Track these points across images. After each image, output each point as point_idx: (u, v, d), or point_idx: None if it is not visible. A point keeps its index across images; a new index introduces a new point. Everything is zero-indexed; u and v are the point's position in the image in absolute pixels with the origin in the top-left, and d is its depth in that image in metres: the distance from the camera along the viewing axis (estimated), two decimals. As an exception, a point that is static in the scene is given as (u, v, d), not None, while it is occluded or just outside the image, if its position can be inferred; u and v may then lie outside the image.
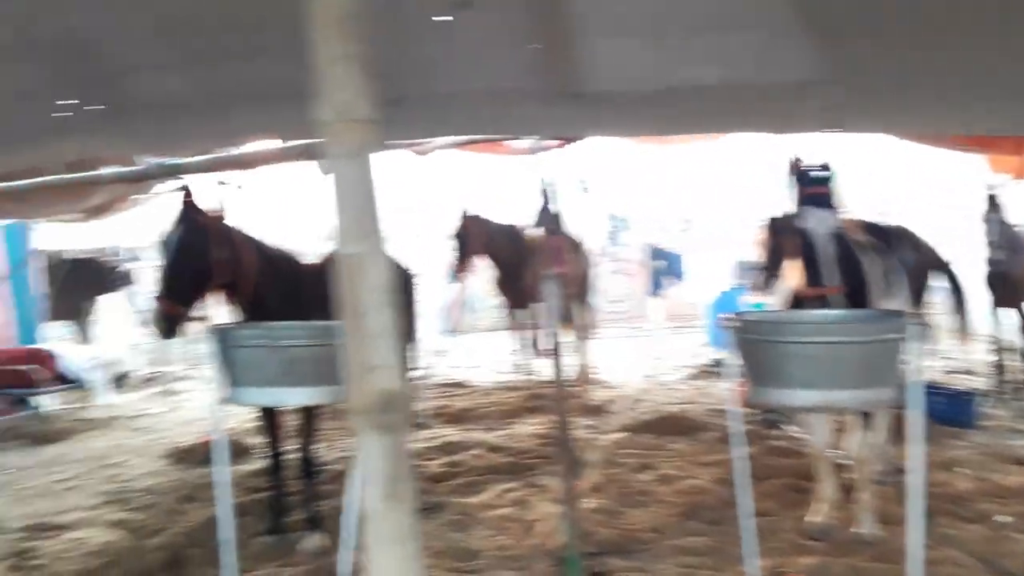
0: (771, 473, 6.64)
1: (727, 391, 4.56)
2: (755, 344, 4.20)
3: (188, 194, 5.23)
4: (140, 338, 13.77)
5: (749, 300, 9.56)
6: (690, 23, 3.55)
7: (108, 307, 13.92)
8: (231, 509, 4.86)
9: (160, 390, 12.72)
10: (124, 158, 4.88)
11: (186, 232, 5.18)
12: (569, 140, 6.56)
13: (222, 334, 4.70)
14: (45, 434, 10.20)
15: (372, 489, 2.09)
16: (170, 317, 5.25)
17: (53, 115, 4.20)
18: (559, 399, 5.48)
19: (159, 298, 5.22)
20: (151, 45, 3.70)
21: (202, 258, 5.20)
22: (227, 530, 4.82)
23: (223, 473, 4.86)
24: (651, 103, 4.34)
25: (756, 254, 6.46)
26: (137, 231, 11.90)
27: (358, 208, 2.09)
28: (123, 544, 6.01)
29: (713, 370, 11.45)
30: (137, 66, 4.03)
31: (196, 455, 8.21)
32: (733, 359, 4.36)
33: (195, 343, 14.25)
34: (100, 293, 13.63)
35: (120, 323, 13.98)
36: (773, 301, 5.87)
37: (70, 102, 4.27)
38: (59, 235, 12.52)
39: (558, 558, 5.22)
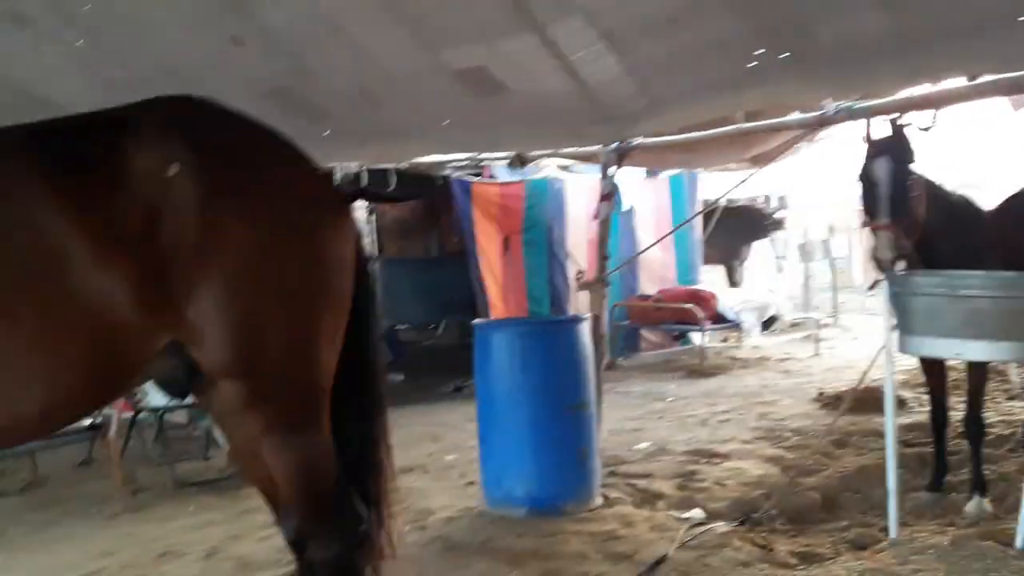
0: None
1: None
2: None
3: (896, 123, 5.14)
4: (784, 284, 14.11)
5: None
6: None
7: (759, 251, 14.38)
8: (895, 459, 4.82)
9: (805, 335, 12.88)
10: (804, 104, 4.97)
11: (897, 158, 5.08)
12: None
13: (898, 280, 4.62)
14: (701, 368, 10.96)
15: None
16: (901, 245, 5.02)
17: (747, 65, 4.40)
18: None
19: (883, 225, 5.04)
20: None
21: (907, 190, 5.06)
22: (892, 480, 4.78)
23: (890, 422, 4.82)
24: None
25: None
26: (791, 178, 12.13)
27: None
28: (778, 479, 6.25)
29: None
30: (825, 11, 4.08)
31: (846, 402, 8.23)
32: None
33: (831, 291, 14.44)
34: (752, 239, 14.15)
35: (768, 268, 14.41)
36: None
37: (759, 52, 4.45)
38: (717, 183, 13.23)
39: None
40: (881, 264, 5.06)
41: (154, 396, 6.84)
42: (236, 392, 2.85)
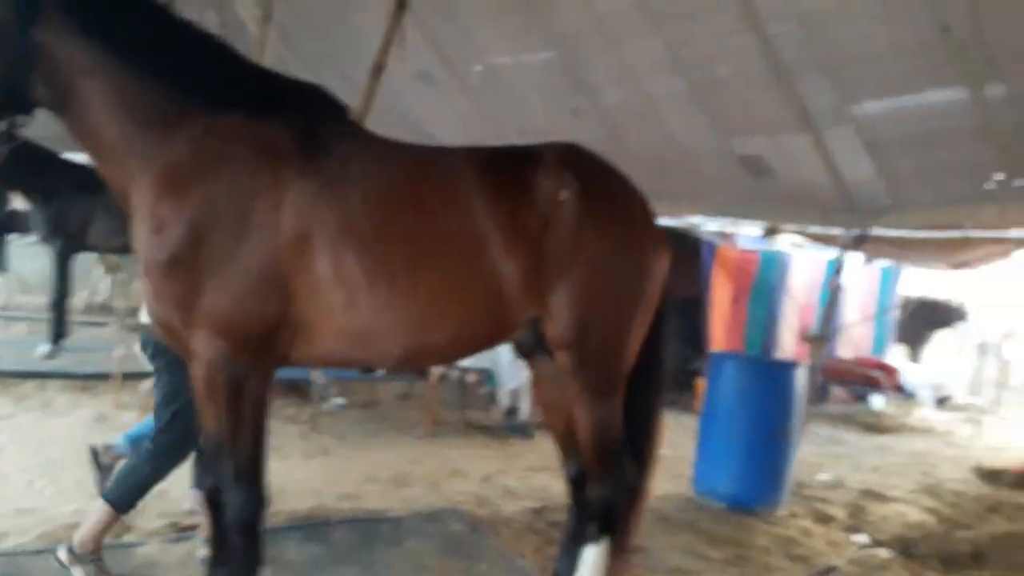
0: None
1: None
2: None
3: None
4: (961, 368, 13.16)
5: None
6: None
7: (942, 339, 13.46)
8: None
9: (970, 417, 11.92)
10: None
11: None
12: None
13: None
14: (875, 426, 10.35)
15: None
16: None
17: (985, 185, 4.22)
18: None
19: None
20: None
21: None
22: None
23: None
24: None
25: None
26: (977, 283, 11.29)
27: None
28: (933, 527, 5.87)
29: None
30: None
31: (1004, 476, 7.60)
32: None
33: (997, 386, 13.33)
34: (937, 328, 13.32)
35: (949, 354, 13.43)
36: None
37: (998, 176, 4.26)
38: (916, 280, 12.53)
39: None
40: None
41: (461, 358, 7.24)
42: (568, 360, 3.01)
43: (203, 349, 2.56)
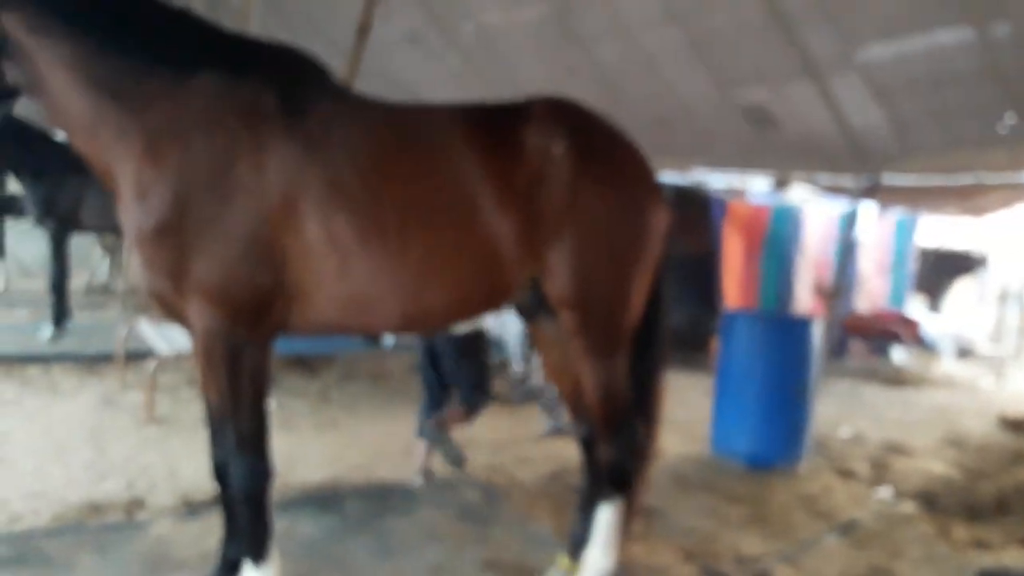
0: None
1: None
2: None
3: None
4: (980, 316, 13.14)
5: None
6: None
7: (961, 289, 13.43)
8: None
9: (992, 367, 11.93)
10: None
11: None
12: None
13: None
14: (896, 379, 10.35)
15: None
16: None
17: (996, 127, 4.20)
18: None
19: None
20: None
21: None
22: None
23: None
24: None
25: None
26: (996, 230, 11.25)
27: None
28: (957, 479, 5.90)
29: None
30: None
31: (1025, 424, 7.65)
32: None
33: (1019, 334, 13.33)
34: (957, 277, 13.32)
35: (969, 303, 13.39)
36: None
37: (1008, 117, 4.24)
38: (933, 229, 12.49)
39: None
40: None
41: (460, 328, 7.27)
42: (571, 319, 3.03)
43: (198, 319, 2.59)
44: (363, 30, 5.02)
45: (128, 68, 2.56)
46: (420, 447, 4.89)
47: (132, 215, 2.57)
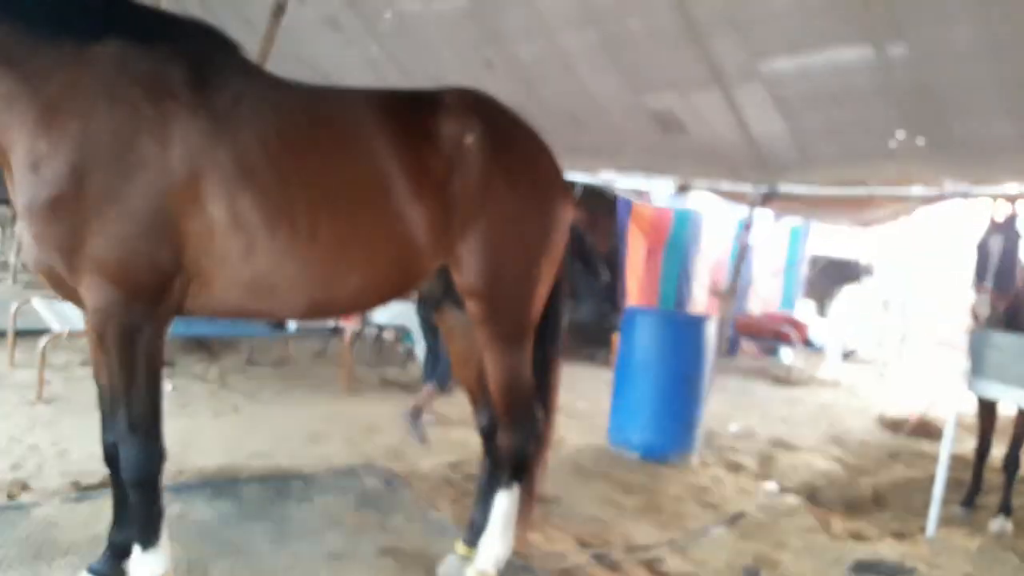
0: None
1: None
2: None
3: (1013, 208, 5.06)
4: (864, 322, 13.80)
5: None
6: None
7: (848, 295, 14.09)
8: (946, 472, 4.77)
9: (873, 368, 12.57)
10: (925, 180, 4.92)
11: (1010, 238, 5.02)
12: None
13: (982, 336, 4.57)
14: (787, 379, 10.78)
15: None
16: (996, 307, 4.99)
17: (888, 143, 4.40)
18: None
19: (986, 289, 4.99)
20: (990, 96, 3.69)
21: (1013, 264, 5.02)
22: (940, 487, 4.75)
23: (947, 442, 4.78)
24: None
25: None
26: (882, 241, 11.82)
27: None
28: (839, 475, 6.17)
29: None
30: (963, 113, 4.04)
31: (904, 426, 8.05)
32: None
33: (901, 339, 14.09)
34: (843, 283, 13.99)
35: (855, 308, 14.04)
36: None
37: (900, 134, 4.44)
38: (823, 238, 13.08)
39: None
40: (977, 319, 5.01)
41: (377, 315, 7.23)
42: (478, 308, 3.03)
43: (92, 297, 2.47)
44: (279, 9, 4.90)
45: (24, 36, 2.40)
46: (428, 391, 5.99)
47: (23, 187, 2.42)
